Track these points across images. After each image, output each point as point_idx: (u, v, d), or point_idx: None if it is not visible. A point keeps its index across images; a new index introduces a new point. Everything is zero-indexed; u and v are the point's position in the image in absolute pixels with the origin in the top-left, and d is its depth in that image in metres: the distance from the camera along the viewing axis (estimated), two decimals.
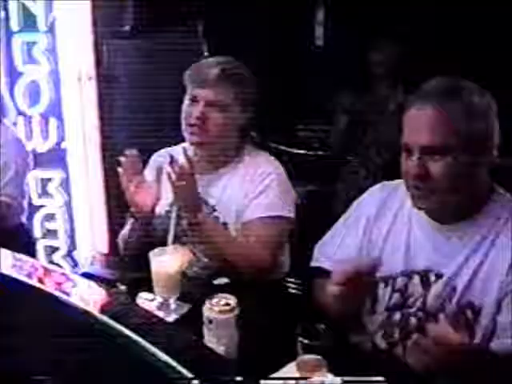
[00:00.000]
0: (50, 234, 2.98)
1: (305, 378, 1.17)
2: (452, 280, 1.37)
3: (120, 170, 1.77)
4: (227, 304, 1.36)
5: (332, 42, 4.02)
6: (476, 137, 1.32)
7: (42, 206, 2.94)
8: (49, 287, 1.35)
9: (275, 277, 1.86)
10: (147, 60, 2.89)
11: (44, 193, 2.94)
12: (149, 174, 1.85)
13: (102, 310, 1.26)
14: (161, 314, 1.50)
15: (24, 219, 2.55)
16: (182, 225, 1.76)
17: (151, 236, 1.79)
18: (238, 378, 1.07)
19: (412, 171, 1.34)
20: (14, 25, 2.76)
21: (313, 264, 1.61)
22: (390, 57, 3.04)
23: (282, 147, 3.47)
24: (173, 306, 1.56)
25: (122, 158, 1.77)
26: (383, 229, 1.50)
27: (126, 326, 1.19)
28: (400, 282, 1.45)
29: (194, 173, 1.71)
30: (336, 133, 3.23)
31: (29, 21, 2.75)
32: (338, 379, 1.16)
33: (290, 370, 1.22)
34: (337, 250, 1.57)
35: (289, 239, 1.91)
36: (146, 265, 1.58)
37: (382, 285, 1.47)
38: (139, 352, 1.14)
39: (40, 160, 2.86)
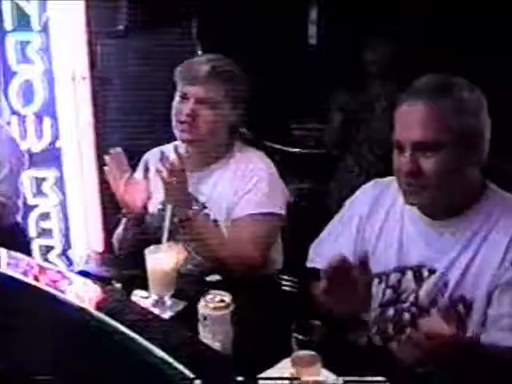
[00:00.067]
0: (45, 233, 2.99)
1: (298, 378, 1.17)
2: (444, 275, 1.39)
3: (106, 168, 1.77)
4: (222, 301, 1.37)
5: (326, 40, 4.02)
6: (467, 133, 1.32)
7: (36, 206, 2.95)
8: (44, 285, 1.35)
9: (266, 273, 1.85)
10: (141, 60, 2.90)
11: (39, 192, 2.94)
12: (140, 172, 1.85)
13: (98, 307, 1.26)
14: (156, 311, 1.51)
15: (19, 218, 2.55)
16: (176, 222, 1.77)
17: (146, 234, 1.79)
18: (239, 378, 1.08)
19: (404, 168, 1.35)
20: (8, 24, 2.75)
21: (308, 265, 1.62)
22: (383, 55, 3.05)
23: (277, 146, 3.49)
24: (168, 304, 1.56)
25: (107, 157, 1.77)
26: (376, 226, 1.51)
27: (122, 323, 1.20)
28: (393, 278, 1.46)
29: (185, 169, 1.72)
30: (330, 131, 3.24)
31: (22, 20, 2.75)
32: (340, 380, 1.17)
33: (285, 365, 1.22)
34: (331, 249, 1.57)
35: (282, 236, 1.92)
36: (141, 262, 1.59)
37: (375, 281, 1.48)
38: (135, 348, 1.15)
39: (34, 159, 2.86)
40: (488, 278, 1.33)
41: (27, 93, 2.83)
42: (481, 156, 1.36)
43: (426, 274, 1.41)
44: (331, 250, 1.57)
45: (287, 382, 1.18)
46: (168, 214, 1.73)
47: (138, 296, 1.58)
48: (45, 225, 2.97)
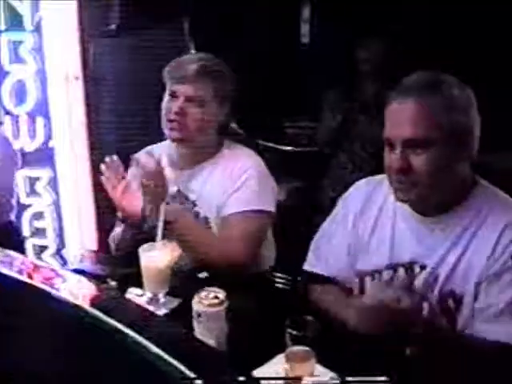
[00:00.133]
0: (39, 232, 2.99)
1: (298, 378, 1.18)
2: (435, 270, 1.40)
3: (103, 178, 1.77)
4: (216, 297, 1.37)
5: (318, 39, 4.03)
6: (457, 130, 1.33)
7: (30, 205, 2.94)
8: (38, 283, 1.35)
9: (258, 270, 1.86)
10: (134, 58, 2.90)
11: (32, 192, 2.94)
12: (131, 173, 1.86)
13: (92, 304, 1.27)
14: (151, 308, 1.51)
15: (13, 217, 2.55)
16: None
17: (143, 233, 1.80)
18: (240, 378, 1.08)
19: (394, 165, 1.35)
20: (1, 24, 2.75)
21: (308, 268, 1.62)
22: (376, 54, 3.06)
23: (270, 144, 3.49)
24: (162, 301, 1.57)
25: (103, 166, 1.77)
26: (369, 223, 1.52)
27: (117, 320, 1.20)
28: (386, 275, 1.47)
29: (162, 171, 1.72)
30: (323, 129, 3.25)
31: (15, 20, 2.75)
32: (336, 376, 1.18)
33: (279, 361, 1.23)
34: (328, 251, 1.58)
35: (273, 233, 1.92)
36: (135, 260, 1.59)
37: (368, 279, 1.49)
38: (131, 346, 1.15)
39: (28, 159, 2.86)
40: (477, 271, 1.35)
41: (20, 93, 2.83)
42: (471, 153, 1.37)
43: (417, 270, 1.42)
44: (328, 252, 1.58)
45: (287, 381, 1.18)
46: (162, 212, 1.74)
47: (132, 294, 1.58)
48: (38, 224, 2.97)
